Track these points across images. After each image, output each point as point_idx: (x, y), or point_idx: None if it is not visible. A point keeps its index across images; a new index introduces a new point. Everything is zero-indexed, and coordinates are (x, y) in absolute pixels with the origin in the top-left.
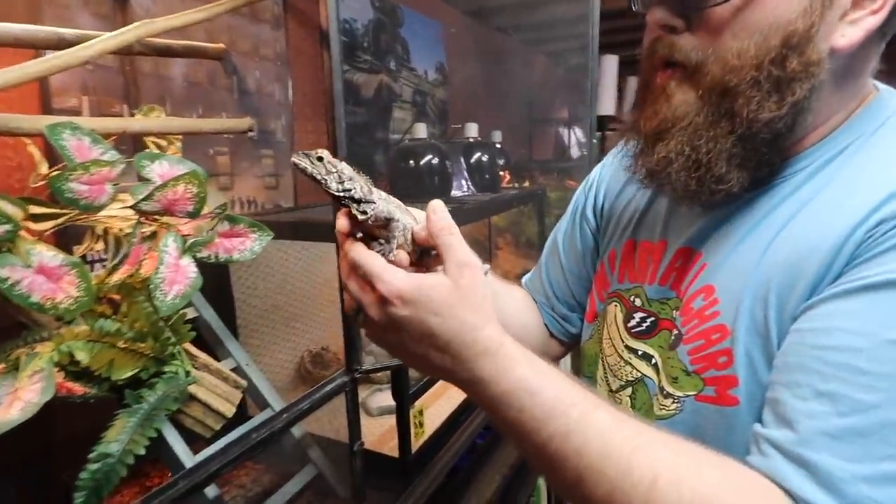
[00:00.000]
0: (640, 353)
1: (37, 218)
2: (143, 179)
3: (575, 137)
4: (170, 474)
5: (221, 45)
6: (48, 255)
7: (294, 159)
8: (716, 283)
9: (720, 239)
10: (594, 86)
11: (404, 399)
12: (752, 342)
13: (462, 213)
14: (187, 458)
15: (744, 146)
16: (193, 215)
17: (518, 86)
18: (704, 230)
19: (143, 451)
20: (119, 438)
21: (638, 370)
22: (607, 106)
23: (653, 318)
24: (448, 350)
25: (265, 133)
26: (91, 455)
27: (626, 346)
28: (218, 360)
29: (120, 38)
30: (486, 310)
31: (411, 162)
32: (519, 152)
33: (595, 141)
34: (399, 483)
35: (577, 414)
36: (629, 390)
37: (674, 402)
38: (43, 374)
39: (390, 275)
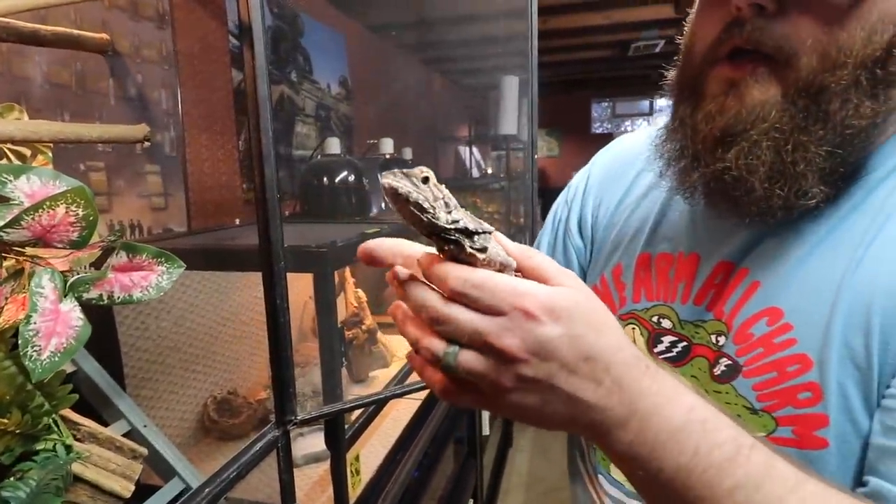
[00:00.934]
0: None
1: None
2: (3, 199)
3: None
4: None
5: (105, 36)
6: None
7: (390, 181)
8: (783, 306)
9: (773, 254)
10: (534, 99)
11: (340, 447)
12: (847, 375)
13: (397, 233)
14: None
15: (834, 156)
16: (79, 245)
17: (423, 104)
18: (749, 243)
19: None
20: None
21: None
22: (508, 125)
23: (685, 344)
24: (608, 376)
25: (151, 145)
26: None
27: None
28: (107, 423)
29: None
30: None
31: (325, 179)
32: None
33: (537, 155)
34: None
35: (762, 461)
36: None
37: None
38: None
39: (526, 286)
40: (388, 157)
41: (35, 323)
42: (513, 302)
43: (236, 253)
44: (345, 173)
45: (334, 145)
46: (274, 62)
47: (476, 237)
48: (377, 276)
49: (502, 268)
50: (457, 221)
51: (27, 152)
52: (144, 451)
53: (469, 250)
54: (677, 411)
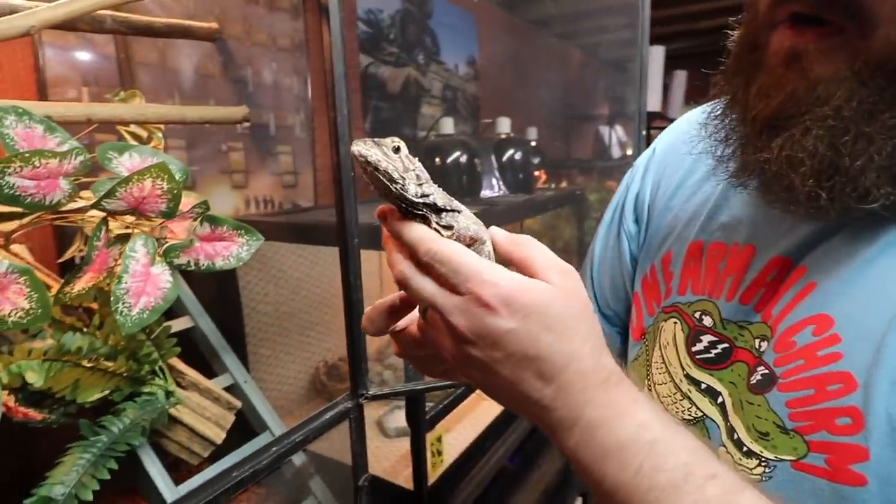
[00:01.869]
0: (703, 386)
1: (1, 217)
2: (112, 175)
3: (616, 136)
4: None
5: (214, 25)
6: None
7: (358, 149)
8: (834, 314)
9: (835, 253)
10: (644, 76)
11: (420, 426)
12: None
13: (493, 216)
14: (168, 491)
15: None
16: (167, 215)
17: (555, 81)
18: (811, 239)
19: (90, 497)
20: (65, 480)
21: (699, 408)
22: (651, 101)
23: (726, 345)
24: (556, 379)
25: (283, 128)
26: (28, 501)
27: (687, 376)
28: (216, 374)
29: (71, 7)
30: (600, 331)
31: (437, 160)
32: (556, 151)
33: (644, 133)
34: None
35: (718, 493)
36: None
37: (759, 465)
38: None
39: (492, 273)
40: (503, 136)
41: (126, 283)
42: (471, 287)
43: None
44: (456, 154)
45: (448, 125)
46: (402, 45)
47: (444, 214)
48: None
49: (472, 241)
50: (426, 196)
51: (144, 134)
52: (238, 403)
53: (434, 226)
54: (625, 427)
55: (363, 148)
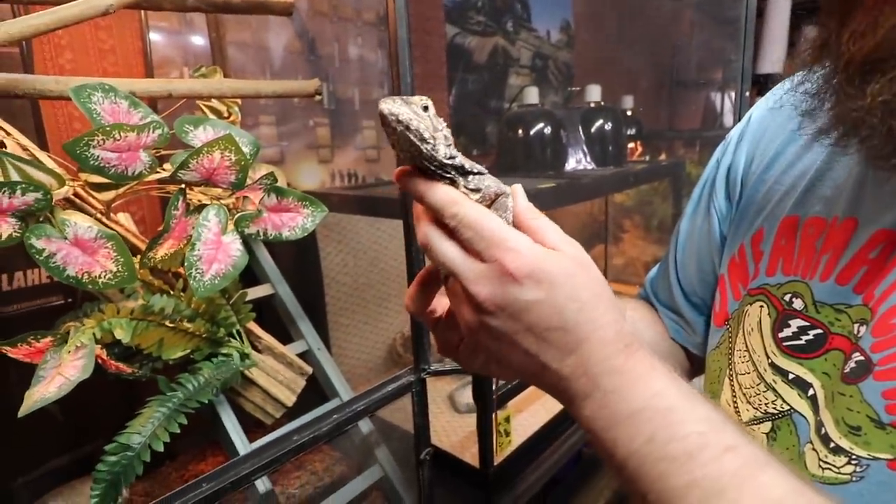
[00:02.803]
0: (791, 376)
1: (99, 187)
2: (188, 147)
3: (730, 102)
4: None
5: (290, 0)
6: (84, 226)
7: (388, 107)
8: None
9: None
10: (749, 30)
11: (487, 403)
12: None
13: (575, 190)
14: (242, 445)
15: None
16: (238, 186)
17: (658, 43)
18: None
19: (161, 448)
20: (142, 430)
21: (786, 401)
22: (772, 63)
23: (820, 331)
24: (578, 349)
25: (367, 103)
26: (109, 447)
27: (772, 365)
28: (292, 340)
29: None
30: (616, 300)
31: (520, 131)
32: (655, 119)
33: (747, 94)
34: (478, 498)
35: (736, 466)
36: (767, 426)
37: (849, 463)
38: (85, 351)
39: (518, 241)
40: (593, 105)
41: (199, 250)
42: (496, 254)
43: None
44: (540, 125)
45: (532, 95)
46: (490, 13)
47: (471, 177)
48: (573, 238)
49: (496, 197)
50: (453, 157)
51: (223, 108)
52: (309, 369)
53: (463, 189)
54: (640, 394)
55: (393, 106)
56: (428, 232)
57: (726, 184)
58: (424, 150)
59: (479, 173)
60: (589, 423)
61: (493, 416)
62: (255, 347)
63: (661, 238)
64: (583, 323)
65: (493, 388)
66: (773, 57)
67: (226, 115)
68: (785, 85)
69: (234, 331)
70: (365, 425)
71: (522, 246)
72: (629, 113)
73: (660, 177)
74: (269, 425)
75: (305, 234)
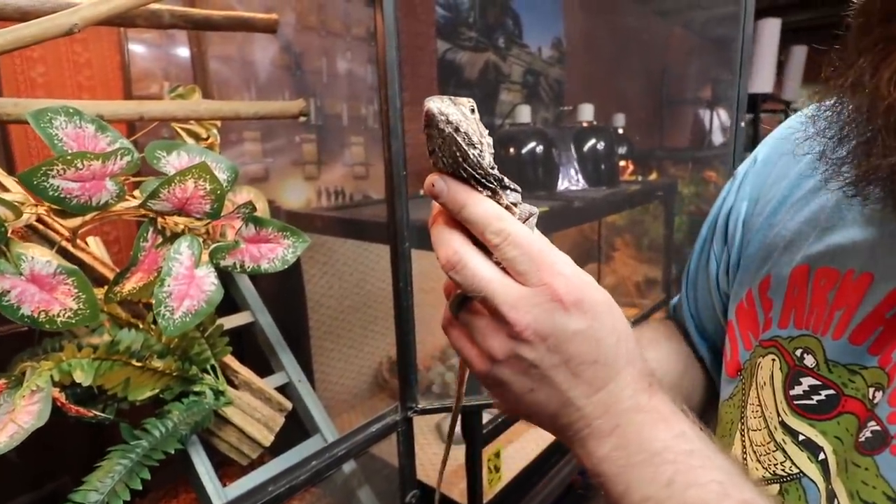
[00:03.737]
0: (801, 438)
1: (65, 213)
2: (162, 174)
3: (719, 121)
4: None
5: (274, 16)
6: (41, 261)
7: (438, 106)
8: None
9: None
10: (746, 54)
11: (476, 439)
12: None
13: (570, 213)
14: (215, 494)
15: None
16: (213, 216)
17: (648, 62)
18: None
19: None
20: (99, 487)
21: (795, 464)
22: (763, 82)
23: (832, 392)
24: (608, 385)
25: (355, 119)
26: None
27: (782, 424)
28: (272, 371)
29: (112, 4)
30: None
31: (511, 150)
32: (646, 139)
33: (743, 124)
34: None
35: None
36: (775, 488)
37: None
38: (41, 395)
39: (565, 264)
40: (585, 124)
41: (169, 286)
42: (545, 277)
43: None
44: (532, 144)
45: (524, 113)
46: (481, 29)
47: (509, 191)
48: None
49: (528, 216)
50: (494, 167)
51: (202, 132)
52: (289, 405)
53: (505, 202)
54: (662, 434)
55: (443, 105)
56: (460, 247)
57: (725, 227)
58: (472, 156)
59: (515, 190)
60: (601, 465)
61: (482, 452)
62: (230, 383)
63: (652, 258)
64: (619, 357)
65: (482, 422)
66: (762, 77)
67: (204, 136)
68: (794, 122)
69: (209, 366)
70: (348, 465)
71: (570, 271)
72: (621, 131)
73: (653, 198)
74: (245, 465)
75: (286, 267)
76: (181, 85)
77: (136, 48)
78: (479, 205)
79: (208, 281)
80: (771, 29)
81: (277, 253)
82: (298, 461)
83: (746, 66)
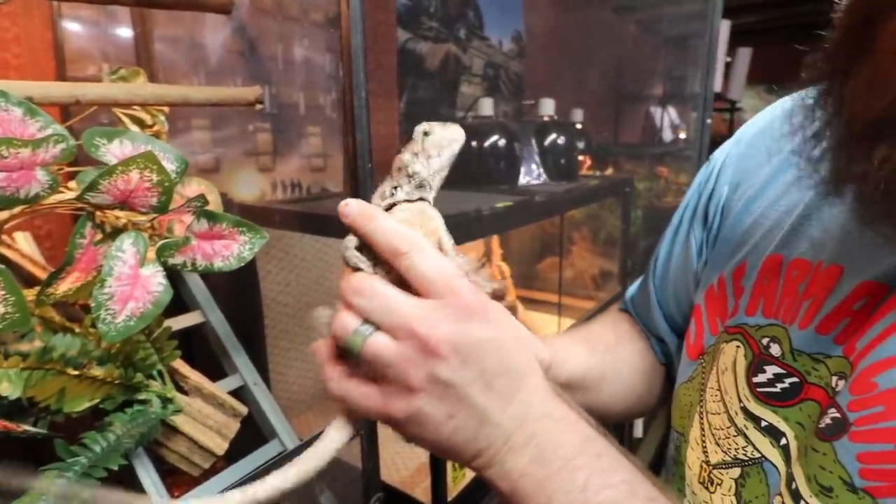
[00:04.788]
0: (763, 424)
1: None
2: (101, 164)
3: (669, 119)
4: None
5: None
6: None
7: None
8: None
9: None
10: (713, 54)
11: None
12: None
13: (533, 208)
14: None
15: None
16: (160, 210)
17: (606, 58)
18: None
19: None
20: None
21: (757, 449)
22: (714, 81)
23: (796, 380)
24: (517, 396)
25: (313, 108)
26: None
27: (744, 410)
28: (225, 374)
29: None
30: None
31: (473, 143)
32: (602, 135)
33: (709, 121)
34: None
35: None
36: (735, 472)
37: None
38: None
39: (461, 277)
40: (546, 119)
41: (110, 287)
42: (454, 285)
43: None
44: (494, 137)
45: (486, 106)
46: (442, 19)
47: (401, 190)
48: (525, 250)
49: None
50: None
51: (147, 118)
52: (244, 410)
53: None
54: (573, 439)
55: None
56: (362, 279)
57: (706, 212)
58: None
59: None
60: (519, 482)
61: None
62: (180, 389)
63: (608, 251)
64: (521, 365)
65: None
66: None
67: (149, 123)
68: (783, 105)
69: (155, 372)
70: None
71: (463, 282)
72: (579, 126)
73: (612, 192)
74: (197, 475)
75: (242, 265)
76: (123, 67)
77: (72, 25)
78: (382, 222)
79: (155, 281)
80: (721, 30)
81: (233, 250)
82: (254, 468)
83: (712, 64)
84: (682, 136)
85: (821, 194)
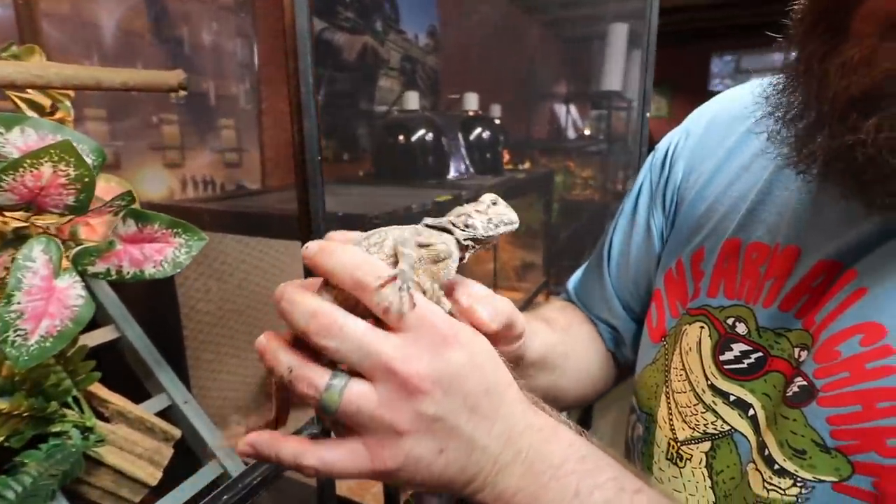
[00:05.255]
0: (732, 398)
1: None
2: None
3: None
4: None
5: None
6: None
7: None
8: (887, 323)
9: (893, 257)
10: (651, 51)
11: None
12: None
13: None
14: None
15: None
16: (77, 210)
17: (518, 56)
18: (868, 241)
19: None
20: None
21: (727, 422)
22: (614, 80)
23: (760, 354)
24: (499, 413)
25: (225, 99)
26: None
27: (712, 387)
28: (148, 395)
29: None
30: None
31: (400, 137)
32: (517, 129)
33: (648, 114)
34: None
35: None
36: (706, 445)
37: (794, 485)
38: None
39: (431, 305)
40: (471, 113)
41: (19, 303)
42: (424, 315)
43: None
44: (422, 131)
45: (413, 100)
46: (359, 10)
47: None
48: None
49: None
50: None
51: (46, 103)
52: (177, 433)
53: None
54: (558, 447)
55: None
56: (329, 308)
57: (663, 199)
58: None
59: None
60: (512, 501)
61: None
62: (100, 416)
63: (529, 243)
64: (500, 381)
65: None
66: (614, 77)
67: (48, 110)
68: (730, 94)
69: (71, 398)
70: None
71: (431, 308)
72: (497, 121)
73: (537, 186)
74: None
75: (178, 270)
76: (15, 43)
77: None
78: (342, 256)
79: (73, 293)
80: (619, 33)
81: (167, 254)
82: (191, 496)
83: (651, 61)
84: (588, 132)
85: (795, 169)
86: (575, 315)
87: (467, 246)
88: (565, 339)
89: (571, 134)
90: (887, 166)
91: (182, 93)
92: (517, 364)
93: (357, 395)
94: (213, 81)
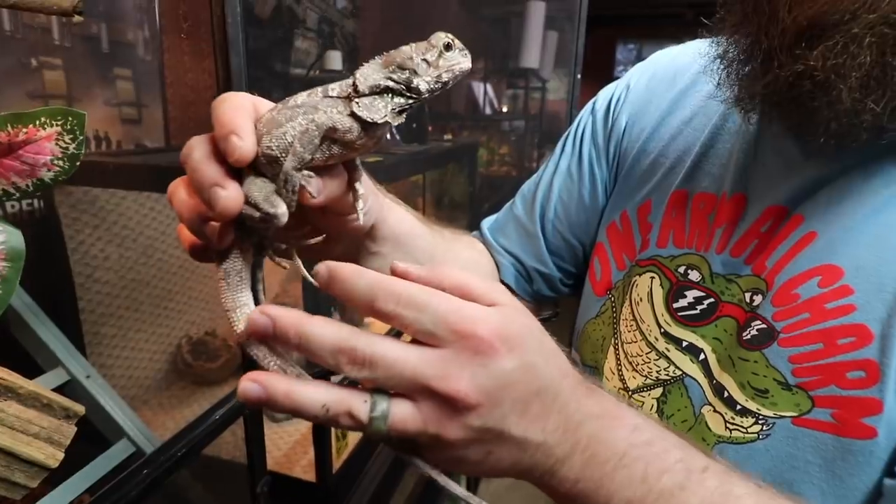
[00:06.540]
0: (684, 344)
1: None
2: None
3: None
4: None
5: None
6: None
7: None
8: (844, 265)
9: (838, 201)
10: (581, 22)
11: None
12: None
13: (390, 169)
14: None
15: None
16: None
17: (435, 27)
18: (810, 186)
19: None
20: None
21: (679, 367)
22: (532, 58)
23: (711, 301)
24: (553, 408)
25: (121, 46)
26: None
27: (665, 334)
28: (42, 370)
29: None
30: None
31: None
32: (435, 102)
33: (579, 76)
34: None
35: (715, 486)
36: (657, 391)
37: (756, 423)
38: None
39: (473, 308)
40: None
41: None
42: (460, 328)
43: None
44: None
45: (335, 60)
46: None
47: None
48: None
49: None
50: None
51: None
52: (81, 409)
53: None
54: (621, 433)
55: None
56: (360, 337)
57: (606, 151)
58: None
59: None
60: (577, 487)
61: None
62: None
63: (451, 215)
64: (553, 376)
65: None
66: (531, 54)
67: None
68: (670, 52)
69: None
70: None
71: (479, 311)
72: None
73: (461, 156)
74: (17, 500)
75: (77, 163)
76: None
77: None
78: (358, 281)
79: None
80: (537, 11)
81: (50, 149)
82: (100, 477)
83: (582, 30)
84: (505, 109)
85: (731, 123)
86: (473, 241)
87: (398, 108)
88: (438, 241)
89: (489, 111)
90: (834, 91)
91: (77, 18)
92: (365, 237)
93: (401, 419)
94: (106, 24)
